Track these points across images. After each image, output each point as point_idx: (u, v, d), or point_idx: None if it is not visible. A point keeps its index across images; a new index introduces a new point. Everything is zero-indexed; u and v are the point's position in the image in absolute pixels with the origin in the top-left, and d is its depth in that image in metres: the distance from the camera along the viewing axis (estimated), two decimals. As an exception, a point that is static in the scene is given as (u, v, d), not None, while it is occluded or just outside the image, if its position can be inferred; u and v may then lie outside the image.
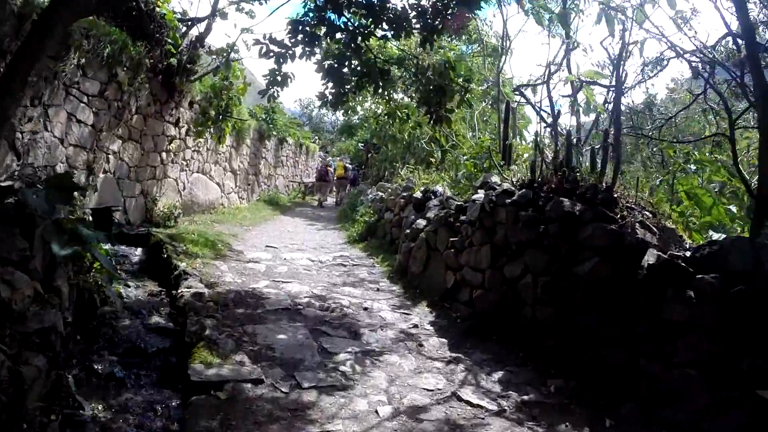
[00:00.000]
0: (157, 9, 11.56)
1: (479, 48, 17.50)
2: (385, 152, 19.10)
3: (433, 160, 16.89)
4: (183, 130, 13.31)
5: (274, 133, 21.19)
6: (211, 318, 6.27)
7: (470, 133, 18.66)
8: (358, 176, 28.40)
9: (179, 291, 7.05)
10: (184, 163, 13.71)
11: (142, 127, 11.51)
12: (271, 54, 8.23)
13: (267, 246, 11.28)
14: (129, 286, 8.01)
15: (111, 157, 10.48)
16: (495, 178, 8.28)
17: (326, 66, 8.15)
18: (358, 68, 8.31)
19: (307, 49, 8.05)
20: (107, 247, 10.45)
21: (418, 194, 10.34)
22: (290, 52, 8.10)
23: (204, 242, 10.01)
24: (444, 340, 6.39)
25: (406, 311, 7.42)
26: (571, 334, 5.58)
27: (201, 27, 12.75)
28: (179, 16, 12.48)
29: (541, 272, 6.14)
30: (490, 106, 16.52)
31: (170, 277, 8.06)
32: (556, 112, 8.12)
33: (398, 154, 17.79)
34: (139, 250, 9.64)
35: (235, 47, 12.29)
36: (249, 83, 12.57)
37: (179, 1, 14.56)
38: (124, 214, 11.16)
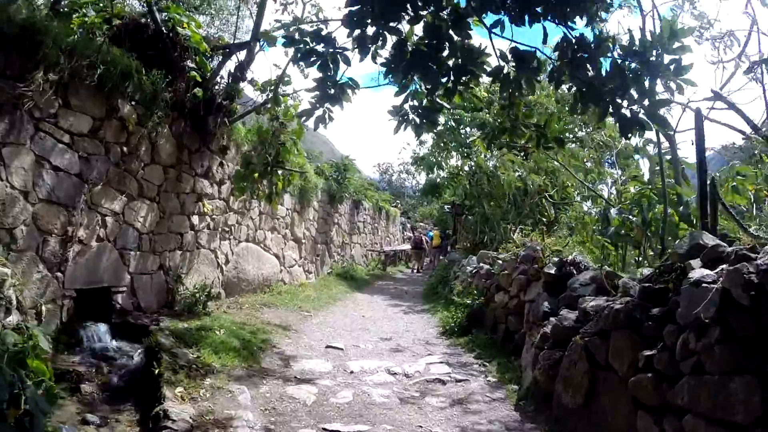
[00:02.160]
0: (180, 30, 8.78)
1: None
2: (481, 213, 15.52)
3: (544, 218, 13.25)
4: (225, 188, 10.33)
5: (347, 194, 18.08)
6: None
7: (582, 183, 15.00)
8: (447, 243, 25.10)
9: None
10: (227, 229, 10.66)
11: (161, 181, 8.64)
12: (314, 58, 5.07)
13: (329, 346, 7.86)
14: (88, 424, 4.93)
15: (110, 219, 7.59)
16: (708, 239, 4.59)
17: (409, 54, 4.80)
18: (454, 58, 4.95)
19: (379, 30, 4.80)
20: (107, 344, 7.45)
21: (550, 268, 6.70)
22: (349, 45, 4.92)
23: (232, 343, 6.76)
24: None
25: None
26: None
27: (241, 55, 9.89)
28: (214, 43, 9.72)
29: None
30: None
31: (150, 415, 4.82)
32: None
33: (499, 214, 14.20)
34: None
35: (286, 77, 9.31)
36: (305, 126, 9.47)
37: (219, 27, 11.52)
38: (131, 297, 8.21)
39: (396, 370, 6.67)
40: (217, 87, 9.61)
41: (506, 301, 8.13)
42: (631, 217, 7.80)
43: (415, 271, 24.45)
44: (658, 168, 9.23)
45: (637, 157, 12.52)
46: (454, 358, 7.61)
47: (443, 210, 35.48)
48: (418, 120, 5.41)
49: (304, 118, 5.64)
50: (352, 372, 6.52)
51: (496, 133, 6.49)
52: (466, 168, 20.72)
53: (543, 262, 7.13)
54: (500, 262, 8.89)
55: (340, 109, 5.35)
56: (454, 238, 24.25)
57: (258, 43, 9.78)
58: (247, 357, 6.44)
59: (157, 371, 5.54)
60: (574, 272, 6.45)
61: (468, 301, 9.32)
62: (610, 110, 4.54)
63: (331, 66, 5.16)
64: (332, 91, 5.26)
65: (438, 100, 5.38)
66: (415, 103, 5.42)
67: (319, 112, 5.28)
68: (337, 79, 5.27)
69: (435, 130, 5.54)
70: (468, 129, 21.21)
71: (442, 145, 21.84)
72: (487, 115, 19.65)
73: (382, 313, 11.76)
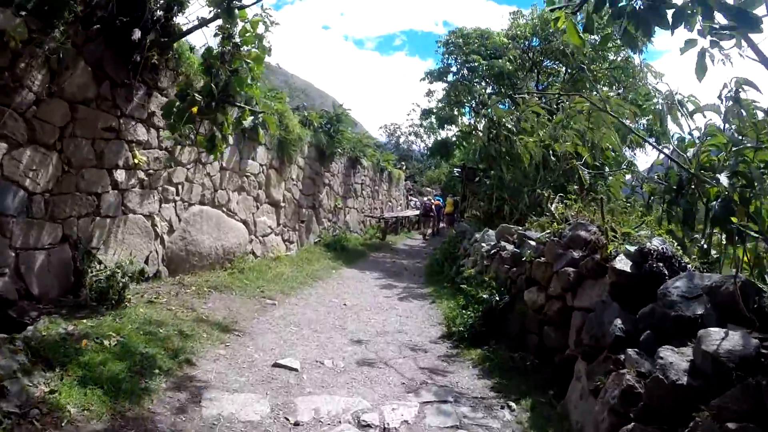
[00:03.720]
0: None
1: None
2: (498, 177, 12.95)
3: (575, 187, 10.75)
4: (166, 134, 7.90)
5: (341, 150, 15.49)
6: None
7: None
8: (457, 212, 24.56)
9: None
10: (171, 188, 8.25)
11: (65, 121, 6.30)
12: None
13: (277, 364, 5.39)
14: None
15: (-20, 174, 5.15)
16: None
17: None
18: None
19: None
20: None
21: (622, 263, 4.24)
22: None
23: (117, 366, 4.38)
24: None
25: None
26: None
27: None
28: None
29: None
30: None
31: None
32: None
33: (519, 178, 11.65)
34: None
35: (245, -19, 6.82)
36: (269, 48, 6.97)
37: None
38: (15, 281, 5.93)
39: (370, 419, 4.16)
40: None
41: (542, 302, 5.68)
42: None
43: (423, 237, 23.95)
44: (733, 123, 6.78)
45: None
46: (463, 385, 5.18)
47: (452, 174, 32.99)
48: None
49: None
50: (297, 424, 4.09)
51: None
52: (481, 125, 18.18)
53: (607, 250, 4.67)
54: (532, 242, 6.39)
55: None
56: (464, 205, 21.86)
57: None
58: (130, 392, 4.04)
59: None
60: (665, 272, 4.02)
61: (484, 295, 6.76)
62: None
63: None
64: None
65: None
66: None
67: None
68: None
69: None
70: (484, 82, 18.65)
71: (453, 97, 19.30)
72: (508, 63, 17.07)
73: (371, 298, 9.32)
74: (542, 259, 5.86)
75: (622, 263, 4.25)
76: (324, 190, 15.17)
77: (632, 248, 4.33)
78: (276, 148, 11.40)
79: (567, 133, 10.35)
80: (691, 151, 6.32)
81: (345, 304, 8.48)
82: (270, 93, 11.58)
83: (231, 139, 9.78)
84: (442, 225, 26.04)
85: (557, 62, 17.83)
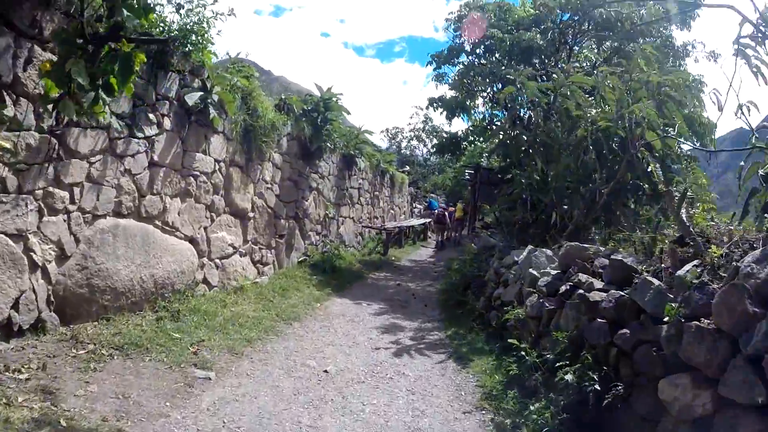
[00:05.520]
0: None
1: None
2: (529, 176, 10.12)
3: (645, 186, 8.04)
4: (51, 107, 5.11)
5: (331, 144, 12.67)
6: None
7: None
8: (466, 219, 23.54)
9: None
10: (63, 193, 5.54)
11: None
12: None
13: None
14: None
15: None
16: None
17: None
18: None
19: None
20: None
21: None
22: None
23: None
24: None
25: None
26: None
27: None
28: None
29: None
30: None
31: None
32: None
33: (564, 176, 8.81)
34: None
35: None
36: None
37: None
38: None
39: None
40: None
41: (707, 410, 2.81)
42: None
43: (436, 247, 23.06)
44: None
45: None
46: None
47: (459, 178, 30.35)
48: None
49: None
50: None
51: None
52: (504, 125, 15.40)
53: None
54: (658, 284, 3.55)
55: None
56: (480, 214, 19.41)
57: None
58: None
59: None
60: None
61: (567, 377, 3.89)
62: None
63: None
64: None
65: None
66: None
67: None
68: None
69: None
70: (503, 63, 15.92)
71: (465, 83, 16.55)
72: (538, 35, 14.41)
73: (366, 354, 6.50)
74: (705, 321, 3.07)
75: None
76: (310, 195, 12.37)
77: None
78: (240, 138, 8.67)
79: (638, 108, 7.56)
80: None
81: (326, 371, 5.63)
82: (233, 66, 8.88)
83: (168, 122, 7.07)
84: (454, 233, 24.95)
85: (595, 38, 15.23)
